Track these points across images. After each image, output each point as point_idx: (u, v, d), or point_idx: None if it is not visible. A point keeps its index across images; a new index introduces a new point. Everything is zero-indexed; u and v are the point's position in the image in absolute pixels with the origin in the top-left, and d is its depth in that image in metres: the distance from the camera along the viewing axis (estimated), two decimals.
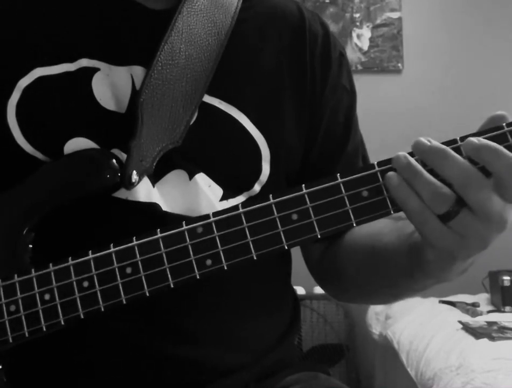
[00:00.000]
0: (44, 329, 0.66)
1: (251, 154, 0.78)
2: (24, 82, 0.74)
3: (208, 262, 0.63)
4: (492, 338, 1.90)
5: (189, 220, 0.65)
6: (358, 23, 3.09)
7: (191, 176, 0.75)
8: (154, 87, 0.74)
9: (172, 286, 0.64)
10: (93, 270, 0.65)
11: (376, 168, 0.61)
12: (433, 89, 3.06)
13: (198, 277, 0.64)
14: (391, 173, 0.59)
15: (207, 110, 0.77)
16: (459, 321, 2.13)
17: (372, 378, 2.70)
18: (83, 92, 0.74)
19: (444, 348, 1.90)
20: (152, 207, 0.73)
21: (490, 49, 3.09)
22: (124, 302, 0.65)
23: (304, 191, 0.62)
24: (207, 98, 0.77)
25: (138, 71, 0.76)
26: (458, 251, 0.60)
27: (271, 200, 0.63)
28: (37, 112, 0.74)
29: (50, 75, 0.75)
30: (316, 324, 2.84)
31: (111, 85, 0.75)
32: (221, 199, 0.76)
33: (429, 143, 0.58)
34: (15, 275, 0.68)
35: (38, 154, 0.73)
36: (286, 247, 0.62)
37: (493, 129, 0.59)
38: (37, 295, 0.66)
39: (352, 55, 3.01)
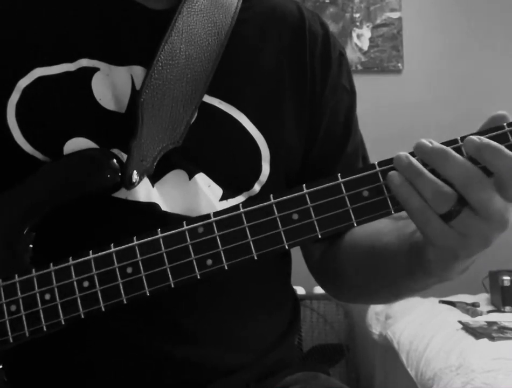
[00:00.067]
0: (44, 329, 0.66)
1: (251, 154, 0.78)
2: (24, 82, 0.74)
3: (209, 262, 0.63)
4: (492, 338, 1.90)
5: (190, 220, 0.65)
6: (358, 23, 3.09)
7: (191, 176, 0.75)
8: (154, 87, 0.74)
9: (172, 286, 0.64)
10: (94, 270, 0.65)
11: (377, 168, 0.61)
12: (433, 89, 3.06)
13: (198, 277, 0.64)
14: (392, 173, 0.60)
15: (207, 110, 0.77)
16: (459, 321, 2.13)
17: (372, 378, 2.70)
18: (83, 92, 0.74)
19: (444, 348, 1.90)
20: (152, 207, 0.73)
21: (490, 49, 3.09)
22: (125, 302, 0.65)
23: (305, 190, 0.62)
24: (207, 98, 0.77)
25: (138, 71, 0.76)
26: (460, 251, 0.60)
27: (272, 200, 0.63)
28: (37, 112, 0.74)
29: (50, 75, 0.75)
30: (316, 324, 2.84)
31: (111, 85, 0.75)
32: (221, 199, 0.76)
33: (430, 144, 0.58)
34: (16, 275, 0.68)
35: (38, 154, 0.73)
36: (287, 247, 0.62)
37: (493, 129, 0.59)
38: (37, 295, 0.66)
39: (352, 55, 3.01)
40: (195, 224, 0.64)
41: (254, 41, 0.83)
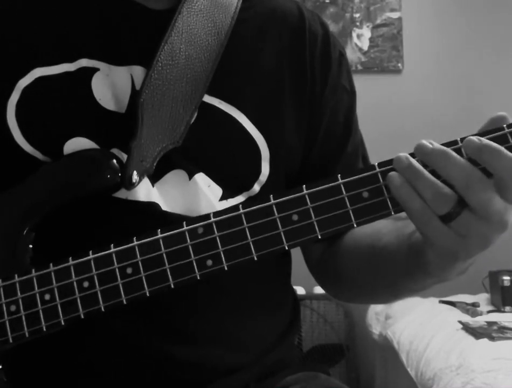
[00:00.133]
0: (44, 329, 0.66)
1: (251, 154, 0.78)
2: (24, 82, 0.74)
3: (209, 262, 0.63)
4: (492, 338, 1.90)
5: (189, 220, 0.65)
6: (358, 23, 3.08)
7: (191, 176, 0.75)
8: (154, 87, 0.74)
9: (172, 286, 0.64)
10: (93, 270, 0.65)
11: (377, 169, 0.61)
12: (433, 89, 3.06)
13: (198, 278, 0.64)
14: (392, 173, 0.60)
15: (207, 110, 0.77)
16: (459, 321, 2.13)
17: (372, 378, 2.70)
18: (82, 92, 0.74)
19: (444, 348, 1.90)
20: (152, 207, 0.73)
21: (490, 49, 3.09)
22: (125, 302, 0.65)
23: (305, 191, 0.62)
24: (207, 98, 0.77)
25: (138, 71, 0.76)
26: (460, 252, 0.60)
27: (272, 201, 0.63)
28: (37, 112, 0.74)
29: (50, 75, 0.75)
30: (316, 324, 2.84)
31: (111, 85, 0.75)
32: (221, 199, 0.76)
33: (431, 145, 0.58)
34: (16, 275, 0.68)
35: (38, 154, 0.73)
36: (286, 248, 0.62)
37: (493, 130, 0.59)
38: (37, 295, 0.66)
39: (352, 55, 3.01)
40: (195, 225, 0.64)
41: (254, 41, 0.83)
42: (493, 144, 0.56)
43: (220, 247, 0.63)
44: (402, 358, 2.11)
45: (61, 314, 0.66)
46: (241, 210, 0.63)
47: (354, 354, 2.84)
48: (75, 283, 0.66)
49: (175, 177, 0.75)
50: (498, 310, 2.44)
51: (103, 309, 0.65)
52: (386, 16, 3.09)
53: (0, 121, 0.73)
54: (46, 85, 0.74)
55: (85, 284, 0.65)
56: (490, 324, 2.10)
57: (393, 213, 0.61)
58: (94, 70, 0.75)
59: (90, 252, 0.66)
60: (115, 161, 0.71)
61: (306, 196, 0.62)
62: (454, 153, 0.57)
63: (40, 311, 0.66)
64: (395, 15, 3.08)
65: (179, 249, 0.64)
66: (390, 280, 0.74)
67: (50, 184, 0.72)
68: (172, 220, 0.70)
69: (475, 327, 2.03)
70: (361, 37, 3.08)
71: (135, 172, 0.70)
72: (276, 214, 0.62)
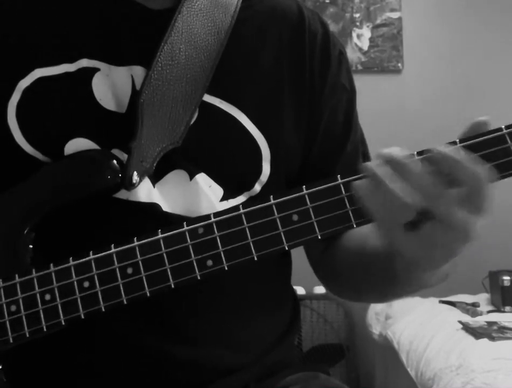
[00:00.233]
0: (45, 329, 0.66)
1: (252, 154, 0.78)
2: (24, 83, 0.74)
3: (209, 262, 0.63)
4: (492, 338, 1.90)
5: (190, 220, 0.65)
6: (358, 23, 3.09)
7: (192, 176, 0.75)
8: (154, 87, 0.74)
9: (173, 286, 0.64)
10: (94, 270, 0.65)
11: None
12: (433, 89, 3.06)
13: (198, 278, 0.64)
14: (358, 182, 0.60)
15: (207, 110, 0.77)
16: (459, 321, 2.14)
17: (372, 378, 2.70)
18: (83, 93, 0.74)
19: (444, 348, 1.90)
20: (153, 208, 0.73)
21: (490, 49, 3.09)
22: (125, 302, 0.65)
23: (305, 191, 0.62)
24: (208, 98, 0.77)
25: (138, 71, 0.76)
26: (424, 261, 0.60)
27: (272, 201, 0.63)
28: (37, 113, 0.74)
29: (51, 75, 0.75)
30: (316, 324, 2.84)
31: (111, 85, 0.75)
32: (222, 199, 0.76)
33: (394, 155, 0.58)
34: (16, 275, 0.68)
35: (38, 155, 0.73)
36: (286, 248, 0.62)
37: (491, 131, 0.59)
38: (38, 295, 0.66)
39: (352, 55, 3.01)
40: (195, 225, 0.64)
41: (254, 40, 0.83)
42: (457, 154, 0.56)
43: (220, 247, 0.63)
44: (402, 358, 2.11)
45: (61, 314, 0.66)
46: (241, 210, 0.63)
47: (354, 354, 2.84)
48: (75, 283, 0.66)
49: (176, 177, 0.75)
50: (498, 310, 2.44)
51: (103, 309, 0.65)
52: (386, 16, 3.09)
53: (0, 122, 0.73)
54: (46, 86, 0.74)
55: (86, 284, 0.65)
56: (490, 324, 2.10)
57: None
58: (95, 70, 0.75)
59: (91, 252, 0.66)
60: (115, 161, 0.71)
61: (306, 196, 0.62)
62: (413, 164, 0.57)
63: (41, 311, 0.66)
64: (395, 15, 3.08)
65: (179, 249, 0.64)
66: (377, 283, 0.75)
67: (50, 184, 0.72)
68: (173, 220, 0.70)
69: (475, 327, 2.03)
70: (361, 37, 3.08)
71: (135, 173, 0.70)
72: (276, 214, 0.62)
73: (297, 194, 0.62)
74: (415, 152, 0.59)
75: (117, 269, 0.65)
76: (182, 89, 0.75)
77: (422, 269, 0.62)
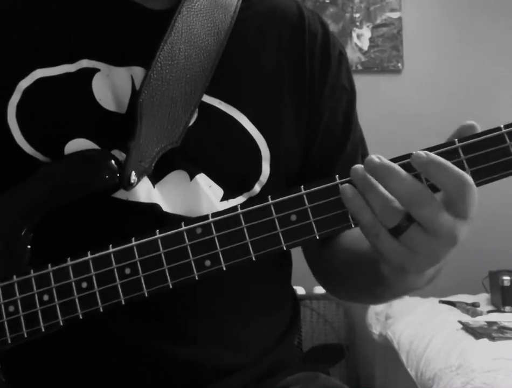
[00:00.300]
0: (43, 330, 0.66)
1: (252, 154, 0.78)
2: (24, 83, 0.74)
3: (207, 262, 0.63)
4: (492, 338, 1.90)
5: (188, 220, 0.65)
6: (358, 23, 3.09)
7: (192, 176, 0.75)
8: (153, 87, 0.74)
9: (171, 287, 0.64)
10: (92, 270, 0.65)
11: None
12: (433, 89, 3.06)
13: (197, 278, 0.64)
14: (345, 185, 0.60)
15: (207, 111, 0.77)
16: (460, 321, 2.14)
17: (372, 378, 2.70)
18: (83, 93, 0.74)
19: (444, 348, 1.90)
20: (153, 208, 0.73)
21: (490, 49, 3.09)
22: (123, 303, 0.65)
23: (303, 191, 0.62)
24: (207, 99, 0.77)
25: (138, 72, 0.76)
26: (409, 266, 0.60)
27: (270, 201, 0.63)
28: (37, 113, 0.74)
29: (51, 76, 0.75)
30: (316, 324, 2.84)
31: (111, 86, 0.75)
32: (222, 200, 0.76)
33: (378, 160, 0.58)
34: (14, 276, 0.67)
35: (39, 156, 0.73)
36: (285, 248, 0.62)
37: (490, 131, 0.59)
38: (36, 296, 0.66)
39: (352, 55, 3.01)
40: (193, 225, 0.64)
41: (254, 40, 0.83)
42: (438, 158, 0.57)
43: (218, 247, 0.63)
44: (402, 358, 2.11)
45: (59, 314, 0.66)
46: (239, 211, 0.63)
47: (354, 354, 2.84)
48: (73, 283, 0.66)
49: (176, 178, 0.75)
50: (498, 310, 2.44)
51: (101, 310, 0.65)
52: (386, 16, 3.09)
53: (0, 122, 0.73)
54: (46, 86, 0.74)
55: (84, 284, 0.65)
56: (490, 324, 2.10)
57: None
58: (95, 71, 0.75)
59: (89, 252, 0.66)
60: (113, 161, 0.71)
61: (304, 196, 0.62)
62: (398, 169, 0.58)
63: (39, 312, 0.66)
64: (395, 15, 3.08)
65: (177, 250, 0.64)
66: (368, 285, 0.75)
67: (49, 184, 0.72)
68: (173, 221, 0.70)
69: (475, 327, 2.03)
70: (361, 37, 3.08)
71: (133, 173, 0.70)
72: (274, 214, 0.62)
73: (295, 194, 0.62)
74: (399, 156, 0.60)
75: (115, 270, 0.65)
76: (182, 89, 0.75)
77: (407, 273, 0.62)
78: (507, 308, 2.42)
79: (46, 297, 0.66)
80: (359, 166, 0.60)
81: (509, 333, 1.96)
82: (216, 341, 0.77)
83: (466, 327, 2.05)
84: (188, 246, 0.64)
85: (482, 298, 2.64)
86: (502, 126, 0.59)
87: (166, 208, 0.73)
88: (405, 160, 0.59)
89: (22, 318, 0.66)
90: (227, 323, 0.78)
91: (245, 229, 0.63)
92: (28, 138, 0.73)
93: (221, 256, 0.63)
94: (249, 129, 0.78)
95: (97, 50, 0.76)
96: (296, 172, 0.84)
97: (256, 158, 0.78)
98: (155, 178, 0.74)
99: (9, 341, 0.67)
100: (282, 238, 0.62)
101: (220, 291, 0.77)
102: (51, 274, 0.66)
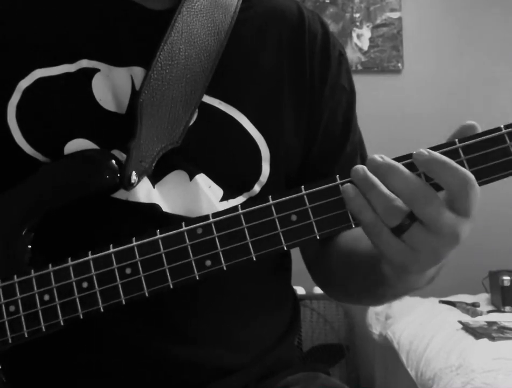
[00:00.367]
0: (43, 329, 0.66)
1: (251, 154, 0.78)
2: (24, 83, 0.74)
3: (208, 262, 0.63)
4: (492, 338, 1.91)
5: (189, 220, 0.65)
6: (358, 23, 3.09)
7: (191, 177, 0.75)
8: (153, 87, 0.74)
9: (171, 287, 0.64)
10: (92, 270, 0.65)
11: None
12: (433, 89, 3.06)
13: (197, 278, 0.64)
14: (347, 185, 0.60)
15: (207, 111, 0.77)
16: (460, 321, 2.14)
17: (372, 378, 2.70)
18: (83, 93, 0.74)
19: (444, 348, 1.90)
20: (152, 208, 0.73)
21: (490, 49, 3.09)
22: (124, 303, 0.65)
23: (304, 192, 0.62)
24: (207, 99, 0.77)
25: (138, 72, 0.76)
26: (411, 265, 0.60)
27: (271, 201, 0.63)
28: (37, 113, 0.74)
29: (51, 76, 0.75)
30: (316, 324, 2.84)
31: (111, 86, 0.75)
32: (221, 200, 0.76)
33: (380, 159, 0.58)
34: (15, 276, 0.67)
35: (38, 156, 0.73)
36: (285, 248, 0.62)
37: (490, 131, 0.59)
38: (36, 296, 0.66)
39: (352, 55, 3.01)
40: (194, 225, 0.64)
41: (254, 40, 0.83)
42: (440, 156, 0.57)
43: (219, 247, 0.63)
44: (402, 358, 2.11)
45: (60, 314, 0.66)
46: (240, 211, 0.63)
47: (354, 354, 2.84)
48: (74, 283, 0.66)
49: (176, 178, 0.75)
50: (498, 310, 2.44)
51: (102, 309, 0.65)
52: (386, 16, 3.09)
53: (0, 122, 0.73)
54: (46, 86, 0.74)
55: (85, 284, 0.65)
56: (490, 324, 2.10)
57: None
58: (94, 71, 0.75)
59: (89, 252, 0.66)
60: (113, 161, 0.71)
61: (305, 196, 0.62)
62: (401, 167, 0.58)
63: (39, 312, 0.66)
64: (395, 15, 3.08)
65: (178, 250, 0.64)
66: (365, 285, 0.75)
67: (49, 184, 0.72)
68: (173, 221, 0.70)
69: (475, 327, 2.04)
70: (361, 37, 3.08)
71: (133, 173, 0.70)
72: (274, 214, 0.62)
73: (296, 195, 0.62)
74: (400, 156, 0.60)
75: (116, 270, 0.65)
76: (182, 89, 0.75)
77: (409, 273, 0.62)
78: (507, 308, 2.42)
79: (46, 297, 0.66)
80: (359, 167, 0.60)
81: (509, 333, 1.96)
82: (216, 341, 0.77)
83: (467, 327, 2.05)
84: (188, 246, 0.64)
85: (482, 298, 2.64)
86: (502, 126, 0.59)
87: (165, 208, 0.73)
88: (407, 160, 0.59)
89: (23, 318, 0.67)
90: (227, 323, 0.78)
91: (246, 229, 0.63)
92: (28, 138, 0.73)
93: (221, 256, 0.63)
94: (249, 129, 0.78)
95: (97, 50, 0.76)
96: (296, 172, 0.84)
97: (256, 158, 0.78)
98: (155, 178, 0.74)
99: (10, 341, 0.67)
100: (282, 238, 0.62)
101: (220, 291, 0.77)
102: (52, 273, 0.66)
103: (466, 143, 0.59)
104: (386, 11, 3.09)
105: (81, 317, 0.66)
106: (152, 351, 0.73)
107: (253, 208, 0.63)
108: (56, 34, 0.77)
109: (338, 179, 0.62)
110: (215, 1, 0.81)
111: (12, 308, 0.67)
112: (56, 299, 0.66)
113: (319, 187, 0.62)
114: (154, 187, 0.74)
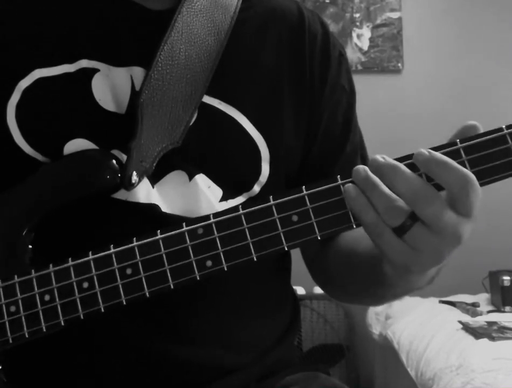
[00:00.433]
0: (44, 330, 0.66)
1: (251, 155, 0.78)
2: (24, 83, 0.74)
3: (209, 263, 0.63)
4: (492, 338, 1.91)
5: (189, 221, 0.65)
6: (358, 23, 3.09)
7: (191, 177, 0.75)
8: (154, 87, 0.74)
9: (172, 287, 0.64)
10: (93, 270, 0.65)
11: None
12: (433, 89, 3.06)
13: (198, 278, 0.64)
14: (349, 185, 0.60)
15: (207, 111, 0.77)
16: (460, 321, 2.14)
17: (372, 378, 2.71)
18: (83, 93, 0.74)
19: (444, 348, 1.91)
20: (152, 208, 0.73)
21: (490, 49, 3.09)
22: (124, 303, 0.65)
23: (305, 192, 0.62)
24: (207, 99, 0.77)
25: (137, 72, 0.76)
26: (413, 265, 0.60)
27: (272, 201, 0.63)
28: (37, 113, 0.74)
29: (50, 76, 0.75)
30: (316, 324, 2.84)
31: (111, 86, 0.75)
32: (221, 200, 0.76)
33: (382, 160, 0.58)
34: (15, 276, 0.67)
35: (38, 156, 0.73)
36: (286, 248, 0.62)
37: (492, 132, 0.59)
38: (37, 296, 0.66)
39: (352, 55, 3.01)
40: (194, 226, 0.64)
41: (254, 40, 0.83)
42: (440, 156, 0.57)
43: (219, 247, 0.63)
44: (402, 358, 2.11)
45: (60, 315, 0.66)
46: (241, 211, 0.63)
47: (354, 354, 2.84)
48: (74, 283, 0.66)
49: (175, 178, 0.75)
50: (498, 310, 2.44)
51: (102, 310, 0.65)
52: (386, 16, 3.09)
53: (0, 122, 0.73)
54: (46, 86, 0.74)
55: (85, 284, 0.65)
56: (490, 324, 2.10)
57: None
58: (94, 71, 0.75)
59: (90, 253, 0.66)
60: (114, 161, 0.71)
61: (306, 197, 0.62)
62: (403, 168, 0.58)
63: (40, 312, 0.66)
64: (395, 15, 3.09)
65: (178, 250, 0.64)
66: (365, 285, 0.75)
67: (50, 184, 0.72)
68: (172, 221, 0.70)
69: (475, 327, 2.04)
70: (361, 37, 3.08)
71: (134, 173, 0.70)
72: (275, 214, 0.62)
73: (297, 195, 0.62)
74: (401, 157, 0.60)
75: (116, 270, 0.65)
76: (182, 89, 0.75)
77: (410, 273, 0.62)
78: (507, 308, 2.42)
79: (47, 297, 0.66)
80: (361, 167, 0.60)
81: (509, 333, 1.96)
82: (216, 341, 0.77)
83: (466, 327, 2.05)
84: (189, 246, 0.64)
85: (482, 298, 2.64)
86: (504, 126, 0.59)
87: (165, 208, 0.73)
88: (408, 161, 0.59)
89: (23, 318, 0.67)
90: (227, 323, 0.78)
91: (246, 230, 0.63)
92: (28, 138, 0.73)
93: (222, 256, 0.63)
94: (248, 129, 0.78)
95: (96, 50, 0.76)
96: (296, 172, 0.84)
97: (256, 159, 0.78)
98: (154, 179, 0.74)
99: (10, 341, 0.67)
100: (283, 238, 0.62)
101: (220, 291, 0.77)
102: (52, 274, 0.66)
103: (467, 143, 0.59)
104: (386, 11, 3.09)
105: (82, 317, 0.66)
106: (152, 351, 0.73)
107: (253, 208, 0.63)
108: (56, 34, 0.77)
109: (339, 179, 0.62)
110: (215, 1, 0.81)
111: (12, 308, 0.67)
112: (57, 300, 0.66)
113: (320, 188, 0.62)
114: (153, 188, 0.74)
